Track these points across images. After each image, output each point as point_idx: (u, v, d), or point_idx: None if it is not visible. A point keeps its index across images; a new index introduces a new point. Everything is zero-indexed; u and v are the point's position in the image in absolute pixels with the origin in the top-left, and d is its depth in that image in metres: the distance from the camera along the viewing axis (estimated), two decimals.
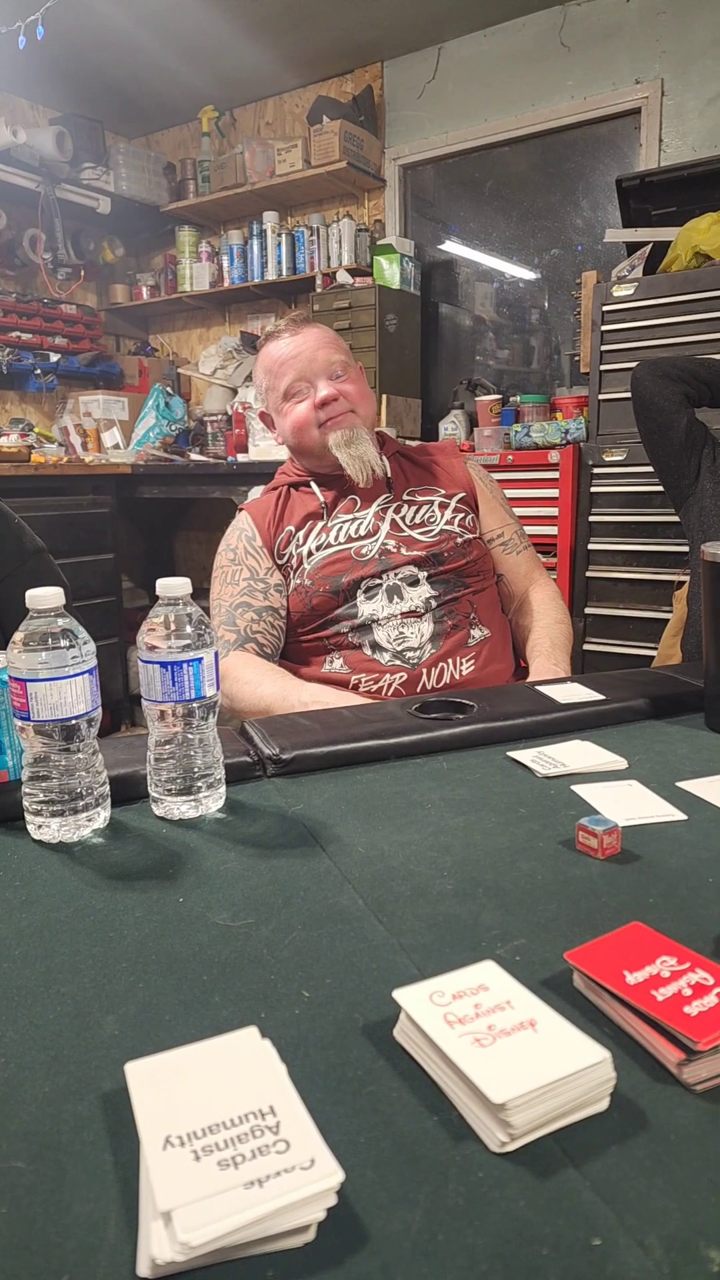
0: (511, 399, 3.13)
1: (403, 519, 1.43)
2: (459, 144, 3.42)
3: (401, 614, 1.35)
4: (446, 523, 1.43)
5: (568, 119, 3.18)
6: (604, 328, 2.58)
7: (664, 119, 3.00)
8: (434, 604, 1.36)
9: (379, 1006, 0.49)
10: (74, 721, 0.70)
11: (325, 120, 3.36)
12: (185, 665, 0.72)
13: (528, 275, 3.52)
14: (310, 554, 1.41)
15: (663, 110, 3.00)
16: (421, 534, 1.41)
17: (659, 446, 1.75)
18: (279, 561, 1.43)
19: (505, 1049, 0.42)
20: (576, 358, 3.24)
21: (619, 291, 2.55)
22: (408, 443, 1.60)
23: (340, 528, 1.42)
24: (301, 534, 1.43)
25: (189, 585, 0.74)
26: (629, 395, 2.54)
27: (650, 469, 2.51)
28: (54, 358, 3.74)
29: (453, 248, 3.64)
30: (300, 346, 1.42)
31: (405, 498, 1.45)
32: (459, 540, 1.42)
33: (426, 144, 3.49)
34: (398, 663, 1.33)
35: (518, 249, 3.50)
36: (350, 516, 1.43)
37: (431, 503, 1.45)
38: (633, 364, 2.51)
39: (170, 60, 3.42)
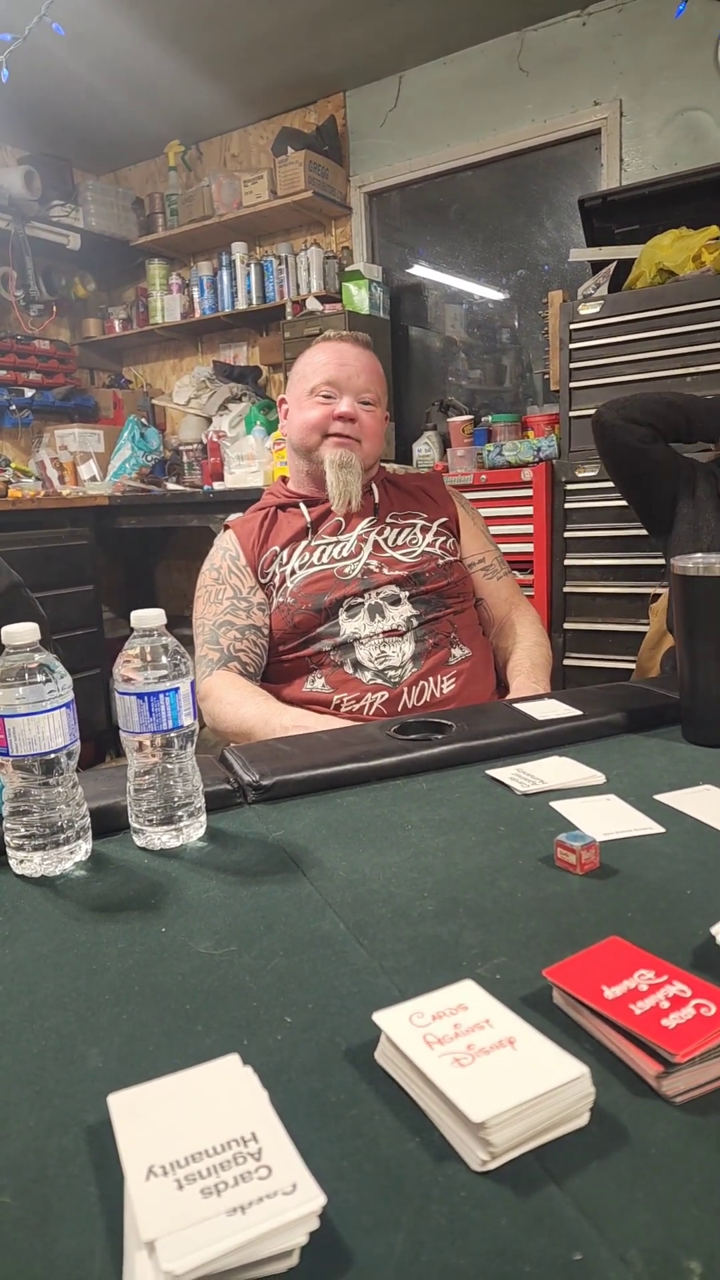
0: (483, 419, 3.17)
1: (385, 540, 1.44)
2: (423, 170, 3.49)
3: (383, 632, 1.36)
4: (428, 545, 1.45)
5: (529, 142, 3.25)
6: (572, 346, 2.62)
7: (623, 139, 3.08)
8: (415, 623, 1.38)
9: (361, 1030, 0.49)
10: (53, 755, 0.70)
11: (290, 151, 3.41)
12: (162, 696, 0.72)
13: (496, 296, 3.58)
14: (293, 573, 1.42)
15: (622, 130, 3.07)
16: (404, 555, 1.43)
17: (639, 486, 1.73)
18: (262, 580, 1.44)
19: (484, 1068, 0.42)
20: (547, 376, 3.29)
21: (585, 310, 2.60)
22: (394, 469, 1.63)
23: (324, 549, 1.43)
24: (285, 553, 1.44)
25: (164, 616, 0.75)
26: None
27: None
28: (29, 393, 3.76)
29: (421, 271, 3.69)
30: (350, 360, 1.46)
31: (389, 520, 1.47)
32: (440, 562, 1.44)
33: (391, 171, 3.56)
34: (379, 681, 1.34)
35: (485, 271, 3.56)
36: (334, 539, 1.44)
37: (414, 526, 1.48)
38: (601, 380, 2.57)
39: (134, 99, 3.47)
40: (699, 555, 0.96)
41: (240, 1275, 0.34)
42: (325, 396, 1.45)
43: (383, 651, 1.35)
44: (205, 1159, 0.38)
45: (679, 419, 1.67)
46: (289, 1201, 0.35)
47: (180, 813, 0.76)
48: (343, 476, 1.43)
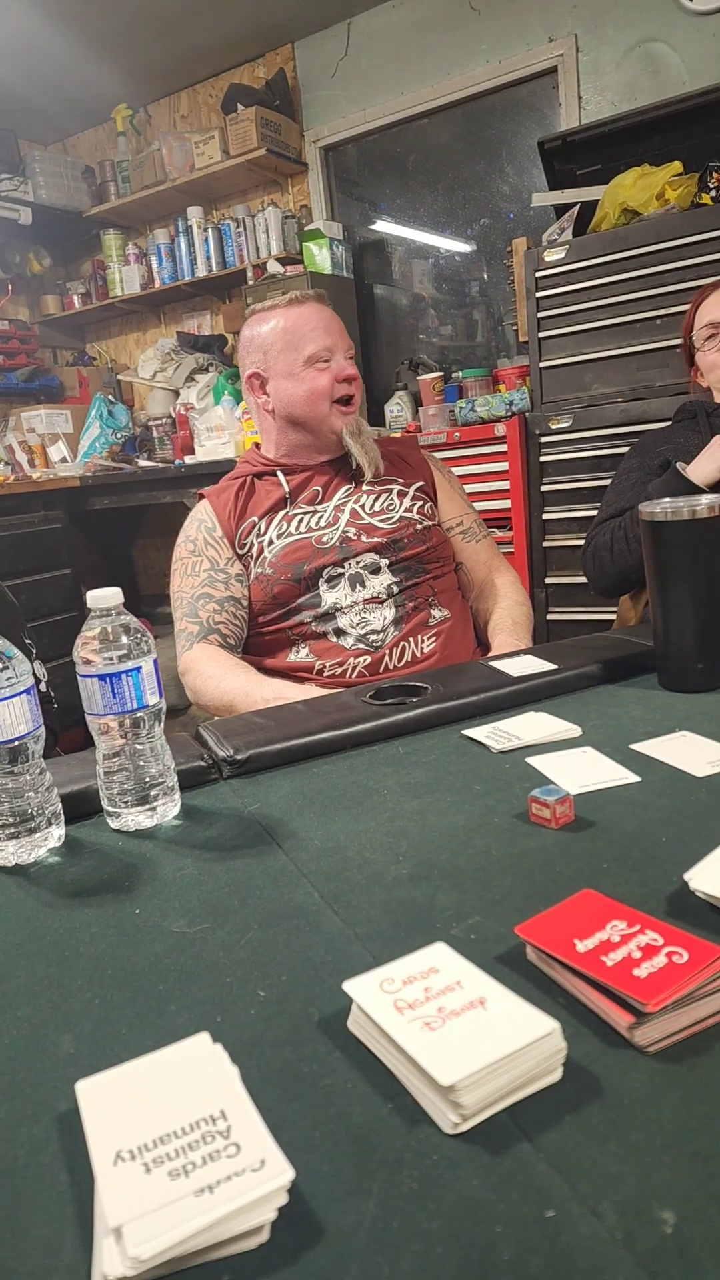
0: (454, 375, 3.12)
1: (362, 507, 1.43)
2: (377, 120, 3.40)
3: (364, 601, 1.35)
4: (405, 510, 1.44)
5: (484, 84, 3.17)
6: (539, 294, 2.58)
7: (580, 76, 3.00)
8: (395, 589, 1.37)
9: (334, 999, 0.48)
10: (17, 743, 0.69)
11: (240, 108, 3.32)
12: (124, 676, 0.71)
13: (463, 248, 3.51)
14: (271, 543, 1.40)
15: (579, 67, 2.99)
16: (381, 521, 1.41)
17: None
18: (240, 551, 1.42)
19: (454, 1030, 0.42)
20: (516, 327, 3.24)
21: (550, 256, 2.55)
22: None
23: (301, 518, 1.41)
24: (264, 523, 1.42)
25: (120, 595, 0.73)
26: (569, 362, 2.54)
27: (597, 433, 2.53)
28: None
29: (384, 227, 3.62)
30: (330, 321, 1.44)
31: (365, 487, 1.45)
32: (418, 527, 1.42)
33: (345, 123, 3.47)
34: (361, 646, 1.34)
35: (448, 222, 3.49)
36: (311, 508, 1.42)
37: (391, 491, 1.46)
38: (571, 329, 2.53)
39: (77, 60, 3.36)
40: (666, 500, 0.95)
41: (210, 1254, 0.34)
42: (325, 362, 1.42)
43: (364, 617, 1.35)
44: (174, 1140, 0.37)
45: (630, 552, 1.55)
46: (257, 1178, 0.35)
47: (154, 792, 0.75)
48: (362, 444, 1.43)
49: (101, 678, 0.71)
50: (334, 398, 1.42)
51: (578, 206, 2.62)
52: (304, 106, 3.53)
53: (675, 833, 0.64)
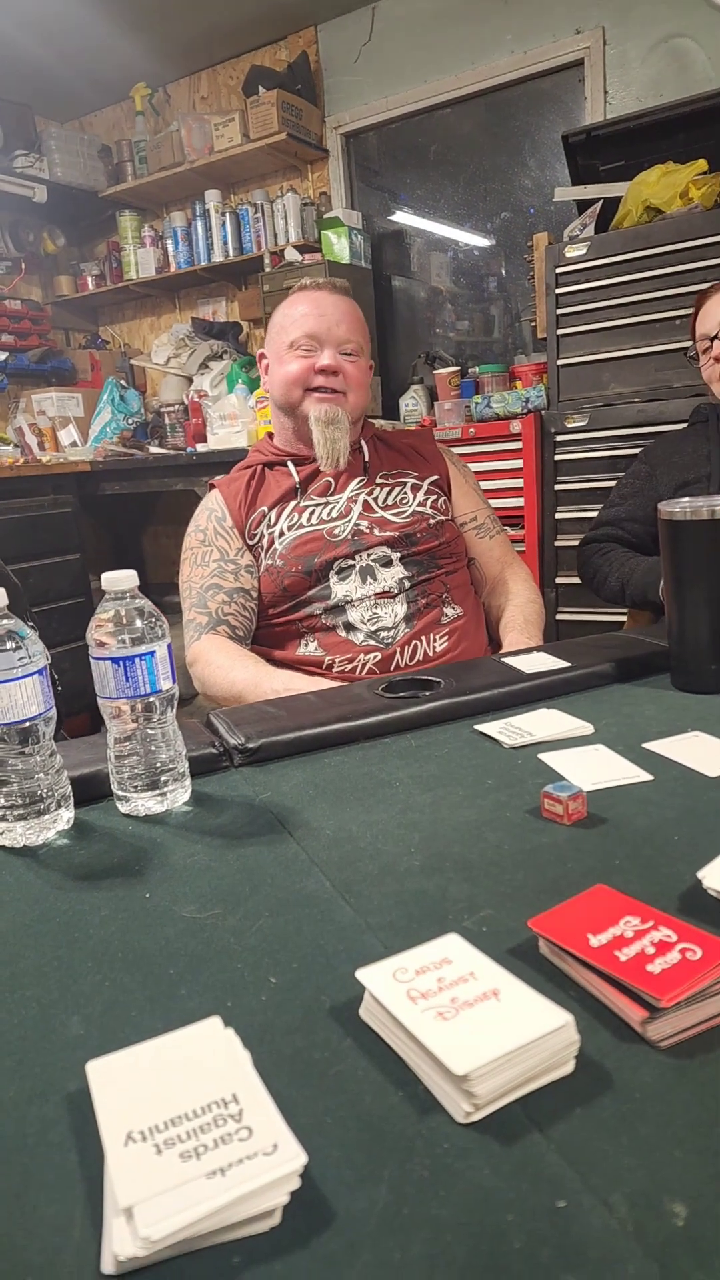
0: (470, 370, 3.11)
1: (375, 500, 1.42)
2: (400, 108, 3.37)
3: (375, 594, 1.34)
4: (419, 504, 1.43)
5: (509, 75, 3.14)
6: (558, 291, 2.56)
7: (607, 69, 2.97)
8: (407, 584, 1.36)
9: (346, 987, 0.48)
10: (28, 724, 0.69)
11: (261, 91, 3.30)
12: (138, 660, 0.71)
13: (482, 242, 3.48)
14: (282, 534, 1.39)
15: (605, 60, 2.97)
16: (394, 515, 1.40)
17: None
18: (250, 542, 1.42)
19: (468, 1020, 0.42)
20: (534, 323, 3.22)
21: (571, 252, 2.53)
22: (383, 427, 1.60)
23: (313, 510, 1.41)
24: (274, 514, 1.42)
25: (135, 578, 0.73)
26: (587, 360, 2.53)
27: (613, 433, 2.52)
28: (1, 356, 3.67)
29: (403, 218, 3.59)
30: (328, 310, 1.42)
31: (379, 480, 1.44)
32: (431, 522, 1.41)
33: (367, 110, 3.44)
34: (372, 642, 1.33)
35: (468, 215, 3.46)
36: (323, 500, 1.41)
37: (404, 484, 1.45)
38: (590, 326, 2.52)
39: (96, 35, 3.32)
40: (685, 500, 0.94)
41: (221, 1237, 0.34)
42: (306, 350, 1.41)
43: (375, 613, 1.34)
44: (185, 1123, 0.37)
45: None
46: (269, 1162, 0.35)
47: (164, 777, 0.75)
48: (329, 434, 1.39)
49: (115, 660, 0.71)
50: (308, 386, 1.40)
51: (600, 203, 2.60)
52: (326, 92, 3.51)
53: (688, 831, 0.64)
